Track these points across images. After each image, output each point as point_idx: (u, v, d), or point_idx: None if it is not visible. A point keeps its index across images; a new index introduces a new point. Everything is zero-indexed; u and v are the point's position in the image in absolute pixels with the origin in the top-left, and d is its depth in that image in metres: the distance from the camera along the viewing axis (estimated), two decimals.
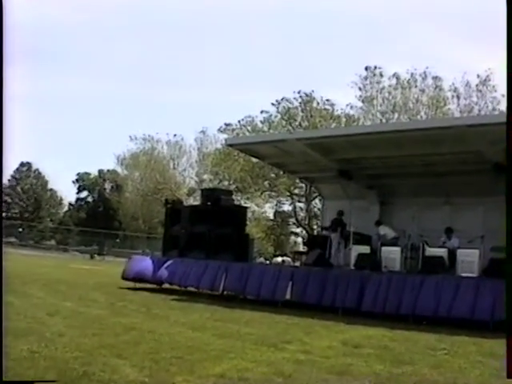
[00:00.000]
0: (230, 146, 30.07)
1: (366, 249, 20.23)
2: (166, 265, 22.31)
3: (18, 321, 11.27)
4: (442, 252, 18.63)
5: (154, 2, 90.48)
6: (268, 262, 45.00)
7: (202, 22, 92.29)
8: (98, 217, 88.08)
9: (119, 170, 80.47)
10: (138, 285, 22.35)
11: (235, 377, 8.11)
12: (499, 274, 16.63)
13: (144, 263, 23.09)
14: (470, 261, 17.80)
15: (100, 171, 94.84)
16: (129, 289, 21.77)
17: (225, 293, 20.75)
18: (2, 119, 6.61)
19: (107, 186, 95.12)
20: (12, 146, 6.70)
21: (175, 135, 68.75)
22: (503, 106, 45.63)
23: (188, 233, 23.36)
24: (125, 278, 22.91)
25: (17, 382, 7.30)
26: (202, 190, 29.88)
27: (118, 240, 71.36)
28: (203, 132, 64.92)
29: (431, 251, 18.90)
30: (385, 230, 21.32)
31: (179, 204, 27.83)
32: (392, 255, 19.05)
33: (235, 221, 23.60)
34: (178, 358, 9.09)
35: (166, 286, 22.59)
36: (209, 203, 24.00)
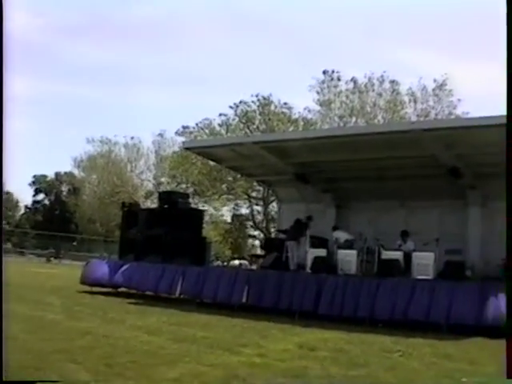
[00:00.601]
0: (187, 149, 29.88)
1: (322, 252, 20.29)
2: (122, 269, 22.14)
3: None
4: (397, 255, 18.72)
5: (112, 3, 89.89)
6: (225, 265, 44.92)
7: (161, 24, 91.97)
8: (55, 220, 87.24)
9: (76, 172, 79.86)
10: (95, 289, 22.15)
11: (190, 381, 8.08)
12: (454, 276, 16.92)
13: (101, 267, 22.89)
14: (425, 263, 17.91)
15: (57, 174, 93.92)
16: (85, 292, 21.60)
17: (182, 296, 20.63)
18: (2, 123, 6.55)
19: (64, 188, 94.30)
20: None
21: (133, 138, 68.42)
22: (459, 111, 46.26)
23: (145, 236, 23.25)
24: (83, 282, 22.73)
25: (17, 381, 7.29)
26: (159, 193, 29.78)
27: (74, 243, 70.76)
28: (161, 135, 64.77)
29: (387, 254, 18.98)
30: (338, 234, 21.39)
31: (136, 207, 27.73)
32: (348, 258, 19.08)
33: (192, 224, 23.58)
34: (133, 362, 9.04)
35: (123, 289, 22.38)
36: (166, 206, 23.92)
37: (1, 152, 6.58)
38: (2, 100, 6.64)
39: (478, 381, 9.23)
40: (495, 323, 14.69)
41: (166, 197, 25.46)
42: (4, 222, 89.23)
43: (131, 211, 25.46)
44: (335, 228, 22.29)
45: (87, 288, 22.28)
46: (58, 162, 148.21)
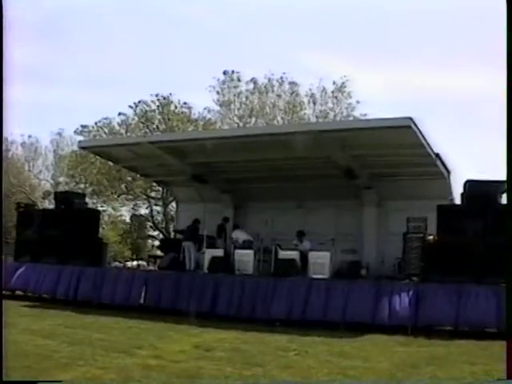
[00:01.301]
0: (84, 148, 29.31)
1: (219, 252, 20.31)
2: (18, 271, 21.63)
3: None
4: (294, 255, 18.89)
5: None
6: (122, 266, 44.44)
7: (60, 20, 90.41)
8: None
9: None
10: None
11: None
12: (349, 275, 17.23)
13: None
14: (321, 263, 18.14)
15: None
16: None
17: (79, 298, 20.26)
18: (1, 119, 6.43)
19: None
20: None
21: (30, 136, 66.90)
22: (358, 113, 46.90)
23: (40, 237, 22.74)
24: None
25: (17, 382, 7.42)
26: (55, 194, 29.20)
27: None
28: (59, 134, 63.41)
29: (283, 254, 19.14)
30: (237, 234, 21.48)
31: (31, 207, 27.12)
32: (245, 258, 19.13)
33: (88, 224, 23.17)
34: (25, 367, 8.89)
35: (19, 293, 21.84)
36: (62, 207, 23.48)
37: (1, 147, 6.47)
38: (2, 97, 6.56)
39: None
40: (390, 321, 15.07)
41: (61, 197, 24.93)
42: None
43: (26, 212, 24.87)
44: (235, 227, 22.38)
45: None
46: None
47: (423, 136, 17.34)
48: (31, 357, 9.72)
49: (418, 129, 16.87)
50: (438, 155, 18.92)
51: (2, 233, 8.24)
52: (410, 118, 16.48)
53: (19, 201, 35.13)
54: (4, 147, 67.97)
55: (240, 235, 21.48)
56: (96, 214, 26.62)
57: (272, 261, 19.35)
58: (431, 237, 17.45)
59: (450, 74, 62.86)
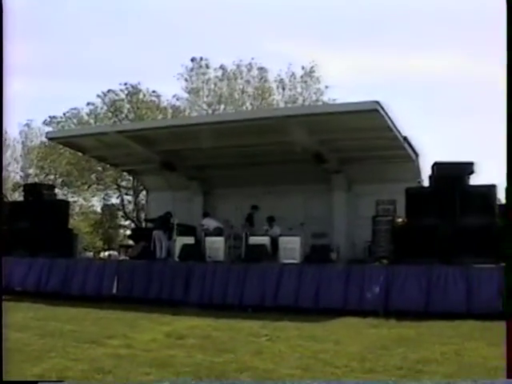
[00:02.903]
0: (52, 139, 29.10)
1: (190, 240, 20.30)
2: None
3: None
4: (264, 240, 18.96)
5: None
6: (94, 256, 44.25)
7: (26, 11, 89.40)
8: None
9: None
10: None
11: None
12: (320, 259, 17.29)
13: None
14: (291, 248, 18.20)
15: None
16: None
17: (50, 290, 20.16)
18: (1, 118, 6.39)
19: None
20: None
21: None
22: (327, 97, 47.00)
23: (9, 230, 22.53)
24: None
25: (17, 381, 7.33)
26: (24, 186, 29.01)
27: None
28: (28, 125, 62.83)
29: (254, 240, 19.17)
30: (207, 222, 21.48)
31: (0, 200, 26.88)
32: (216, 245, 19.17)
33: (58, 216, 22.98)
34: None
35: None
36: (31, 199, 23.31)
37: (1, 146, 6.46)
38: (2, 97, 6.53)
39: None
40: (361, 305, 15.16)
41: (30, 189, 24.78)
42: None
43: None
44: (205, 215, 22.36)
45: None
46: None
47: (391, 119, 17.43)
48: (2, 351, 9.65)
49: (386, 112, 16.95)
50: (405, 138, 19.04)
51: (2, 235, 8.20)
52: (377, 102, 16.56)
53: None
54: None
55: (210, 222, 21.48)
56: (65, 204, 26.35)
57: (242, 247, 19.39)
58: (400, 219, 17.58)
59: (420, 56, 63.24)
